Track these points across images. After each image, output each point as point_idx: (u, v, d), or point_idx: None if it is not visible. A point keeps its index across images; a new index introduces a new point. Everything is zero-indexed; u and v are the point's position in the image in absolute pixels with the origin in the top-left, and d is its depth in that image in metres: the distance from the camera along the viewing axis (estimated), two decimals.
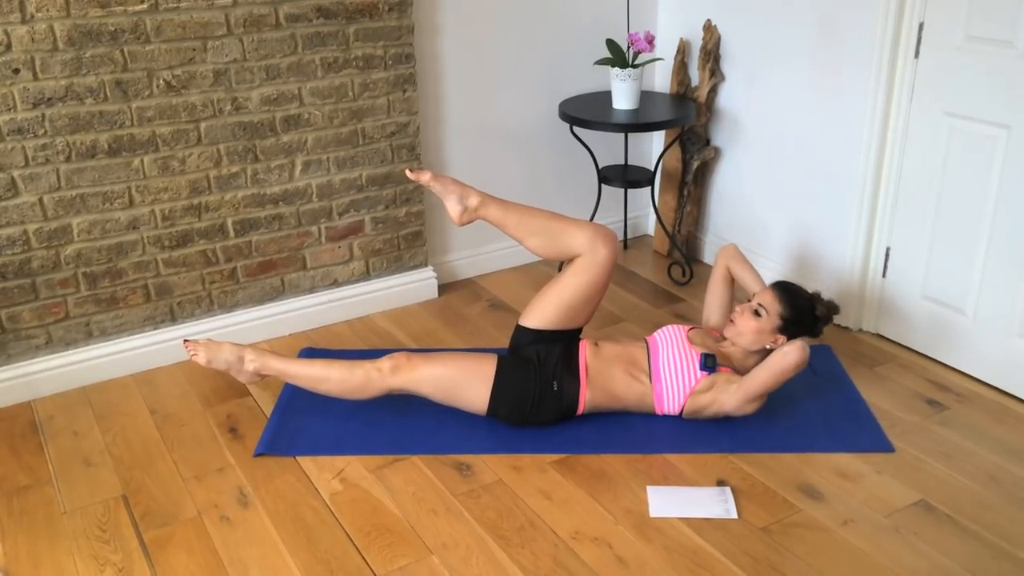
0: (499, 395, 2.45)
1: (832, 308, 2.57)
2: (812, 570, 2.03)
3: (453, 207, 2.58)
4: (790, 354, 2.35)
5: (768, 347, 2.52)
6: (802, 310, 2.53)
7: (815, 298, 2.57)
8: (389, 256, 3.28)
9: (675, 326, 2.62)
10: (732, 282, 2.78)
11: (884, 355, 2.95)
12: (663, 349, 2.53)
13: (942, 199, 2.76)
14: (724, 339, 2.62)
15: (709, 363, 2.47)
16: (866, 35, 2.80)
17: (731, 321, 2.58)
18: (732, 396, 2.44)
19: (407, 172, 2.56)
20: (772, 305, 2.52)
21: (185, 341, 2.54)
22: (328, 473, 2.39)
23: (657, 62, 3.63)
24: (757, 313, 2.53)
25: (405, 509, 2.25)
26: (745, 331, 2.53)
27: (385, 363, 2.46)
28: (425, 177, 2.55)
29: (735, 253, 2.76)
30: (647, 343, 2.59)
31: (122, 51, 2.60)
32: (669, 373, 2.49)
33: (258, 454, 2.47)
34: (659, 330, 2.63)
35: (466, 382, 2.45)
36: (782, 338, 2.50)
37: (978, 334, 2.74)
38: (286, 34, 2.82)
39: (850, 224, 3.01)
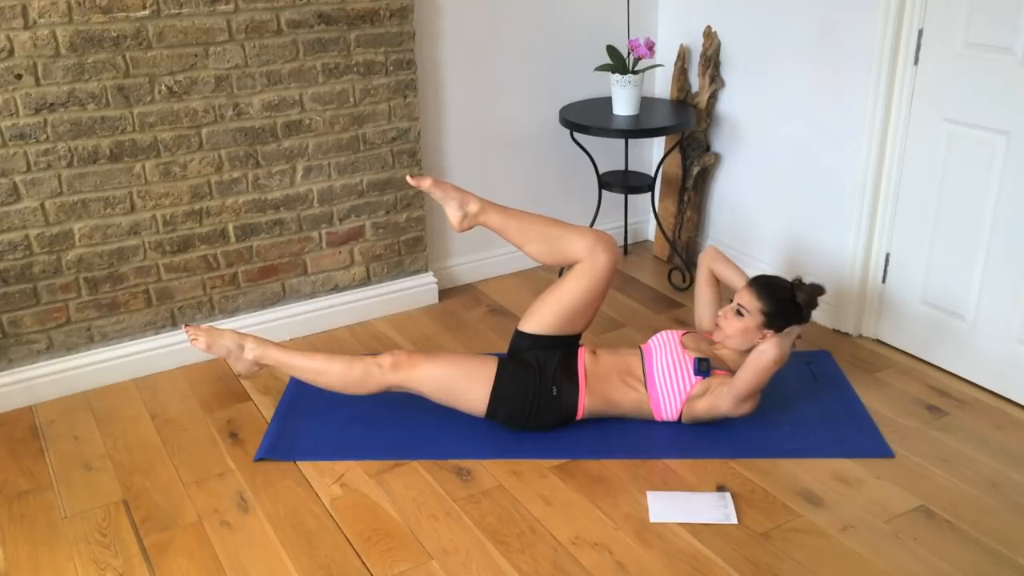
0: (499, 396, 2.45)
1: (814, 291, 2.51)
2: (811, 575, 2.03)
3: (453, 213, 2.58)
4: (767, 352, 2.35)
5: (759, 343, 2.50)
6: (783, 301, 2.49)
7: (795, 286, 2.52)
8: (390, 261, 3.28)
9: (669, 332, 2.62)
10: (718, 283, 2.77)
11: (884, 360, 2.95)
12: (656, 356, 2.53)
13: (942, 205, 2.76)
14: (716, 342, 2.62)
15: (703, 367, 2.47)
16: (866, 41, 2.81)
17: (717, 325, 2.58)
18: (724, 398, 2.44)
19: (407, 178, 2.57)
20: (752, 303, 2.50)
21: (186, 327, 2.55)
22: (328, 478, 2.39)
23: (657, 68, 3.63)
24: (740, 313, 2.52)
25: (405, 514, 2.26)
26: (731, 332, 2.52)
27: (386, 359, 2.46)
28: (425, 183, 2.56)
29: (716, 254, 2.75)
30: (641, 351, 2.59)
31: (124, 57, 2.61)
32: (664, 380, 2.49)
33: (258, 459, 2.47)
34: (653, 337, 2.63)
35: (466, 382, 2.45)
36: (769, 332, 2.48)
37: (978, 339, 2.75)
38: (287, 40, 2.83)
39: (850, 230, 3.01)
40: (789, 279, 2.57)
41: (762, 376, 2.37)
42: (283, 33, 2.81)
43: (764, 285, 2.52)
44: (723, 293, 2.78)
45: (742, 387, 2.40)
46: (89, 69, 2.57)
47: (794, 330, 2.48)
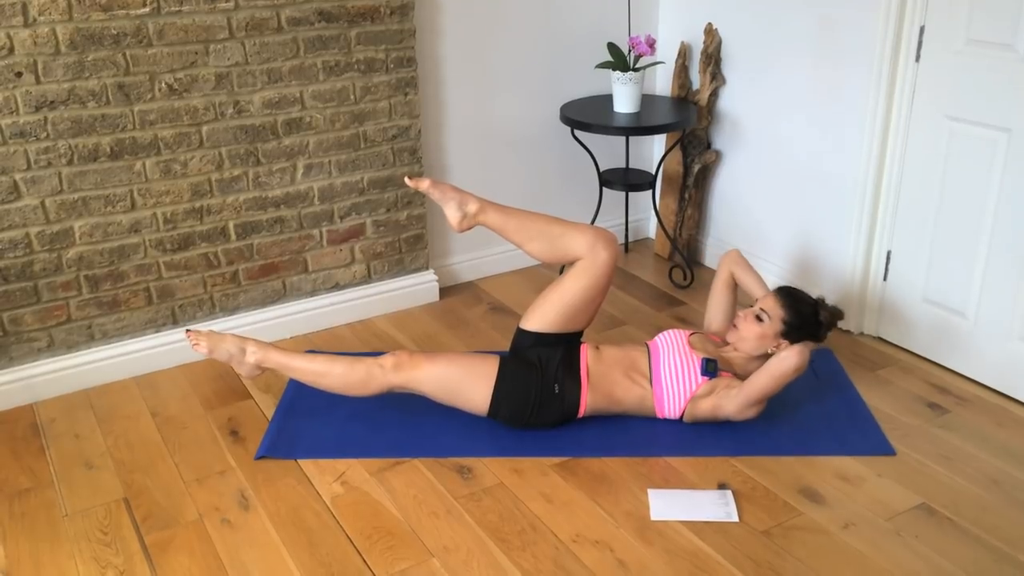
0: (501, 395, 2.45)
1: (836, 313, 2.57)
2: (813, 573, 2.03)
3: (452, 214, 2.58)
4: (789, 358, 2.35)
5: (770, 352, 2.52)
6: (805, 315, 2.52)
7: (819, 303, 2.57)
8: (390, 259, 3.28)
9: (676, 331, 2.62)
10: (735, 287, 2.78)
11: (885, 358, 2.95)
12: (664, 353, 2.53)
13: (943, 202, 2.76)
14: (725, 344, 2.62)
15: (710, 368, 2.48)
16: (867, 38, 2.81)
17: (734, 326, 2.58)
18: (732, 400, 2.44)
19: (406, 180, 2.56)
20: (775, 310, 2.52)
21: (187, 331, 2.55)
22: (329, 476, 2.39)
23: (658, 65, 3.63)
24: (759, 318, 2.52)
25: (406, 512, 2.26)
26: (748, 336, 2.53)
27: (387, 360, 2.46)
28: (424, 184, 2.55)
29: (738, 258, 2.76)
30: (648, 347, 2.59)
31: (124, 55, 2.61)
32: (670, 377, 2.49)
33: (259, 457, 2.47)
34: (660, 334, 2.63)
35: (468, 381, 2.45)
36: (784, 343, 2.50)
37: (979, 337, 2.74)
38: (288, 38, 2.82)
39: (851, 227, 3.01)
40: (813, 296, 2.59)
41: (779, 382, 2.38)
42: (283, 31, 2.81)
43: (789, 295, 2.55)
44: (737, 298, 2.79)
45: (755, 391, 2.40)
46: (89, 67, 2.57)
47: (809, 345, 2.48)
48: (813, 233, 3.19)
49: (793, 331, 2.51)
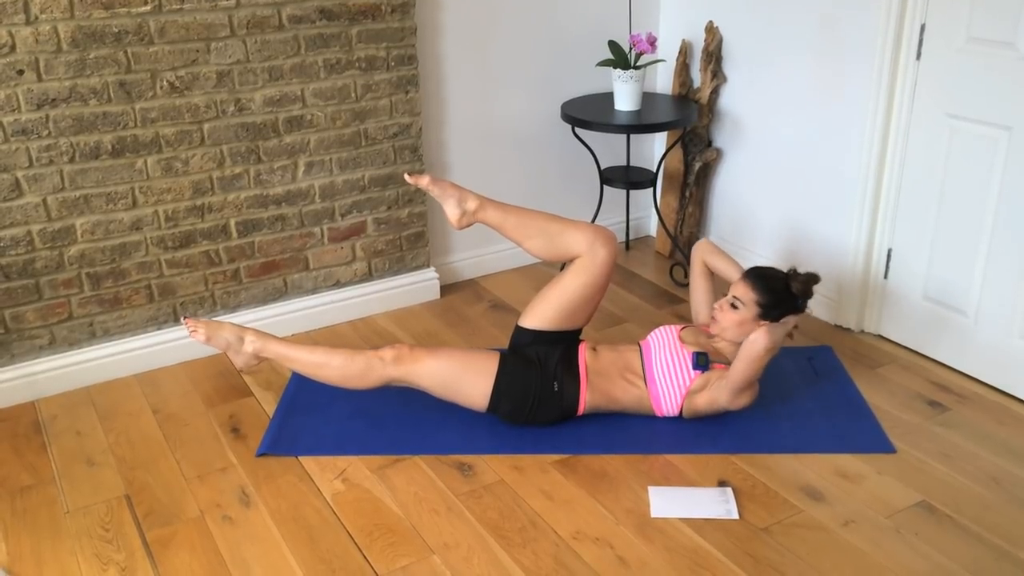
0: (500, 391, 2.45)
1: (809, 280, 2.50)
2: (813, 570, 2.03)
3: (451, 211, 2.58)
4: (757, 341, 2.34)
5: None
6: (778, 292, 2.48)
7: (789, 276, 2.51)
8: (391, 257, 3.28)
9: (667, 327, 2.62)
10: (712, 276, 2.77)
11: (885, 356, 2.95)
12: (655, 352, 2.53)
13: (943, 200, 2.76)
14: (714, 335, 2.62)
15: (701, 361, 2.47)
16: (868, 36, 2.81)
17: (713, 317, 2.57)
18: (723, 391, 2.44)
19: (406, 176, 2.57)
20: (746, 295, 2.50)
21: (185, 319, 2.54)
22: (330, 473, 2.40)
23: (659, 63, 3.63)
24: (734, 306, 2.51)
25: (407, 509, 2.26)
26: (727, 325, 2.52)
27: (388, 352, 2.46)
28: (424, 181, 2.56)
29: (709, 247, 2.75)
30: (640, 347, 2.59)
31: (126, 52, 2.61)
32: (663, 375, 2.49)
33: (260, 454, 2.48)
34: (652, 332, 2.63)
35: (468, 376, 2.45)
36: (765, 324, 2.46)
37: (979, 335, 2.75)
38: (289, 35, 2.83)
39: (852, 225, 3.01)
40: (784, 269, 2.56)
41: (755, 365, 2.37)
42: (284, 28, 2.81)
43: (758, 276, 2.52)
44: (718, 286, 2.78)
45: (737, 378, 2.40)
46: (91, 65, 2.58)
47: (790, 320, 2.47)
48: (814, 231, 3.19)
49: (770, 310, 2.47)
